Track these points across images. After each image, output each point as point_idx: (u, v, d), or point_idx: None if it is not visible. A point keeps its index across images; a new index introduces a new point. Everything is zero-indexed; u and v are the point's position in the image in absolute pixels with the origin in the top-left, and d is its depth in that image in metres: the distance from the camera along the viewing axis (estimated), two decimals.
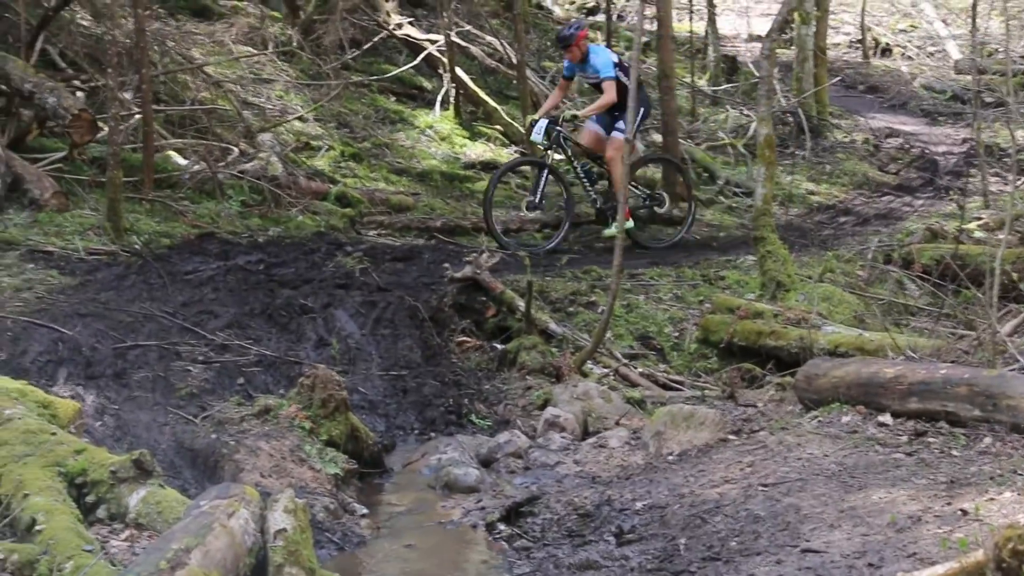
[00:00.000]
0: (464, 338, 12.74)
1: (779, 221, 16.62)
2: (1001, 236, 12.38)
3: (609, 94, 15.62)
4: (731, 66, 26.35)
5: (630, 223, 15.58)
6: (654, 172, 18.70)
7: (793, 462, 9.00)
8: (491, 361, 12.42)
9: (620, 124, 15.42)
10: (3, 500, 7.37)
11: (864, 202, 20.43)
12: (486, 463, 10.36)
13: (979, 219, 15.55)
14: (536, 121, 15.85)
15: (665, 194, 17.08)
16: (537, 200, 15.95)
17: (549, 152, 15.96)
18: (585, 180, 16.30)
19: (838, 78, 25.70)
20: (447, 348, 12.55)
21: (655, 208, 16.93)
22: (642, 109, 15.78)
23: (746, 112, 23.54)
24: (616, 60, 16.04)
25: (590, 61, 15.82)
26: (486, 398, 11.72)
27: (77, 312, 11.58)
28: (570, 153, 16.18)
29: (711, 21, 25.91)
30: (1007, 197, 14.03)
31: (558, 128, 15.85)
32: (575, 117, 16.16)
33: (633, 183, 16.30)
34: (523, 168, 18.69)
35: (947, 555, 6.19)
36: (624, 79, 15.15)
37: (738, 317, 12.76)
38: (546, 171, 15.94)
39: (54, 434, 7.91)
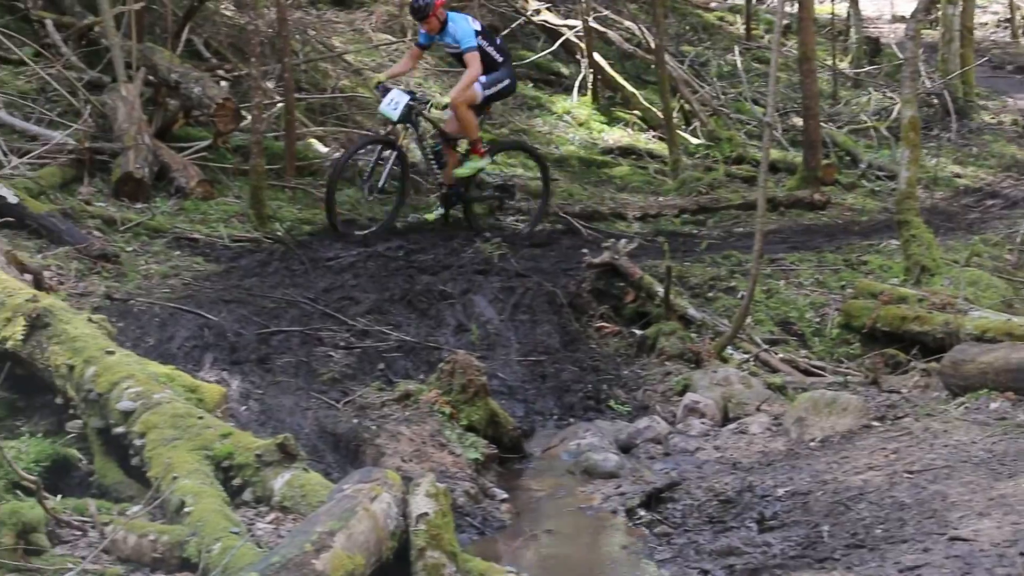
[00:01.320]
0: (602, 324, 12.73)
1: (923, 205, 16.33)
2: None
3: (473, 67, 14.30)
4: (874, 47, 26.00)
5: (483, 162, 14.85)
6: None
7: (939, 449, 8.90)
8: (630, 347, 12.39)
9: (483, 79, 14.46)
10: (153, 482, 7.54)
11: (1013, 185, 20.03)
12: (625, 449, 10.36)
13: None
14: (385, 88, 14.41)
15: (515, 185, 16.12)
16: (382, 183, 14.46)
17: (400, 129, 14.51)
18: (434, 162, 14.91)
19: (985, 58, 25.21)
20: (585, 334, 12.54)
21: (504, 198, 15.82)
22: (507, 81, 14.88)
23: (889, 94, 23.22)
24: (479, 28, 14.75)
25: (448, 30, 14.41)
26: (625, 384, 11.70)
27: (222, 298, 11.79)
28: (420, 132, 14.78)
29: (854, 2, 25.62)
30: None
31: (420, 107, 14.48)
32: (447, 106, 14.61)
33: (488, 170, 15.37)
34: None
35: None
36: (487, 47, 14.58)
37: (881, 302, 12.62)
38: (396, 152, 14.45)
39: (201, 418, 8.04)
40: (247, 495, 7.64)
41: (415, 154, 15.47)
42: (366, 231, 14.41)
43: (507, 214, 16.14)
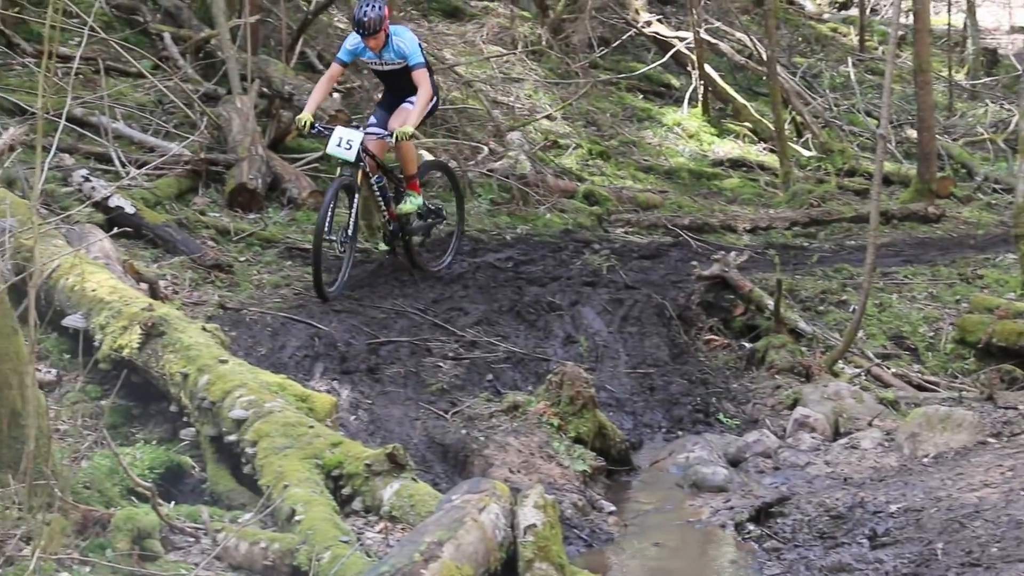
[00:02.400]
0: (711, 336, 12.69)
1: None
2: None
3: (426, 86, 12.34)
4: (991, 59, 25.61)
5: (420, 197, 12.97)
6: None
7: None
8: (739, 360, 12.34)
9: (411, 100, 12.50)
10: (264, 490, 7.62)
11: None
12: (734, 462, 10.31)
13: None
14: (324, 127, 12.48)
15: (443, 208, 13.89)
16: (351, 231, 12.43)
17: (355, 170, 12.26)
18: (380, 198, 12.78)
19: None
20: (694, 346, 12.51)
21: (436, 223, 13.79)
22: (435, 98, 12.80)
23: (1007, 106, 22.86)
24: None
25: (391, 44, 12.27)
26: (734, 397, 11.65)
27: (332, 308, 11.88)
28: (366, 169, 12.44)
29: (971, 13, 25.25)
30: None
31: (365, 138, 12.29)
32: (413, 135, 12.57)
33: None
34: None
35: None
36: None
37: (997, 317, 12.44)
38: (357, 195, 12.43)
39: (311, 427, 8.13)
40: (356, 504, 7.72)
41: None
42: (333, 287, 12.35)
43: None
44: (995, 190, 19.31)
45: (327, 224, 11.91)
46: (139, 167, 13.21)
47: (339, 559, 6.70)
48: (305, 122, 12.19)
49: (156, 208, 13.06)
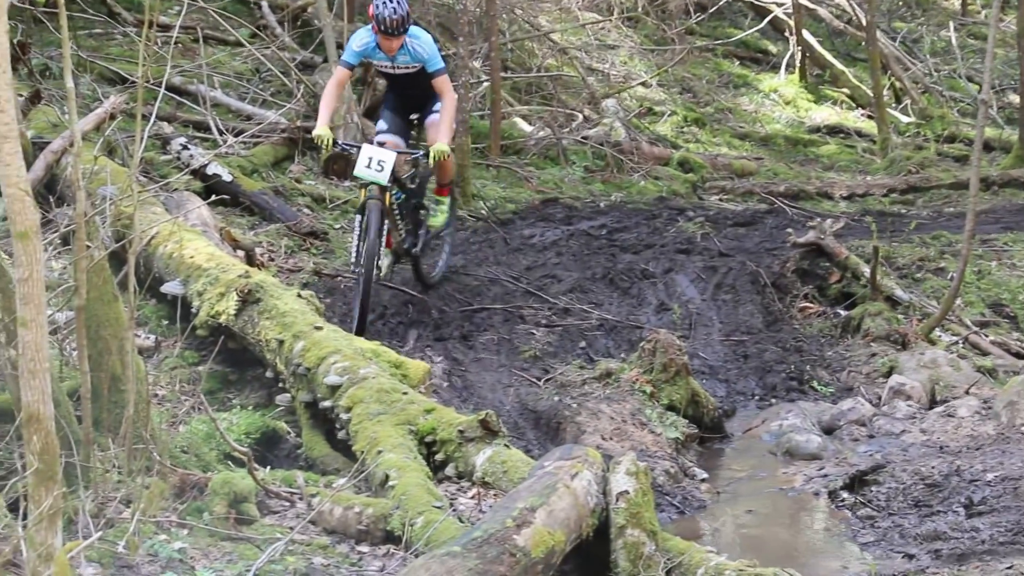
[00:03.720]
0: (806, 304, 12.60)
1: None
2: None
3: (450, 94, 11.12)
4: None
5: (446, 210, 11.69)
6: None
7: None
8: (834, 327, 12.24)
9: (435, 109, 11.20)
10: (358, 455, 7.70)
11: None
12: (828, 430, 10.26)
13: None
14: (350, 144, 11.35)
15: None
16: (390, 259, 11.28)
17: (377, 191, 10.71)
18: (398, 216, 11.13)
19: None
20: (788, 314, 12.43)
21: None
22: None
23: None
24: None
25: (407, 47, 10.87)
26: (828, 365, 11.58)
27: None
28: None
29: None
30: None
31: (423, 162, 11.24)
32: (449, 153, 11.12)
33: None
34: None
35: None
36: None
37: None
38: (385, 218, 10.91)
39: (405, 393, 8.20)
40: (449, 470, 7.79)
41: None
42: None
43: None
44: None
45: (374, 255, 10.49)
46: (236, 135, 13.36)
47: (432, 524, 6.76)
48: (325, 139, 10.74)
49: (253, 176, 13.18)
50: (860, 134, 19.49)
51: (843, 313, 12.40)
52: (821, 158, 18.48)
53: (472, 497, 7.55)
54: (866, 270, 12.44)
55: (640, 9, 20.95)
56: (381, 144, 10.91)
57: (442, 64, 11.03)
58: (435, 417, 7.99)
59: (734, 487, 9.34)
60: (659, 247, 13.48)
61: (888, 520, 8.45)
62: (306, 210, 13.04)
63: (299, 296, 9.35)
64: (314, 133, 10.88)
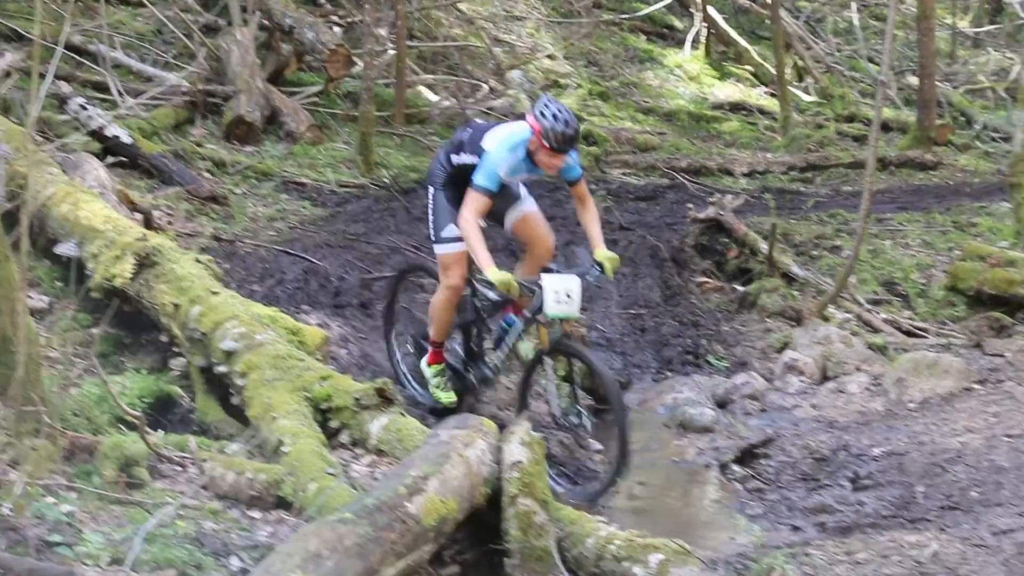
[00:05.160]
0: (704, 279, 12.71)
1: None
2: None
3: (591, 200, 9.21)
4: (996, 6, 25.48)
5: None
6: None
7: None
8: (730, 303, 12.36)
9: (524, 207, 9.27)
10: (252, 421, 7.66)
11: None
12: (722, 404, 10.35)
13: None
14: (529, 285, 8.76)
15: None
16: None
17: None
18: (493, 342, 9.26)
19: None
20: (687, 288, 12.52)
21: None
22: None
23: (1009, 55, 22.78)
24: None
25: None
26: (724, 339, 11.68)
27: (327, 243, 11.90)
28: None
29: None
30: None
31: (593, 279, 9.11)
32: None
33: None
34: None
35: None
36: None
37: (989, 265, 12.43)
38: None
39: (301, 360, 8.15)
40: (344, 437, 7.75)
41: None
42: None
43: None
44: (993, 138, 19.30)
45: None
46: (136, 97, 13.19)
47: (324, 491, 6.74)
48: (511, 285, 8.53)
49: (153, 138, 13.06)
50: (762, 112, 19.65)
51: (740, 289, 12.52)
52: (723, 134, 18.60)
53: (366, 464, 7.52)
54: (764, 246, 12.57)
55: None
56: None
57: (579, 167, 8.99)
58: (331, 384, 7.94)
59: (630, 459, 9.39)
60: (560, 219, 13.43)
61: (776, 493, 8.56)
62: (206, 174, 12.95)
63: (197, 261, 9.24)
64: (495, 279, 8.47)
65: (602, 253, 8.88)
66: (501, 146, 8.61)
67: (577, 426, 8.80)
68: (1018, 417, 8.93)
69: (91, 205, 9.62)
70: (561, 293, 8.58)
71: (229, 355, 8.17)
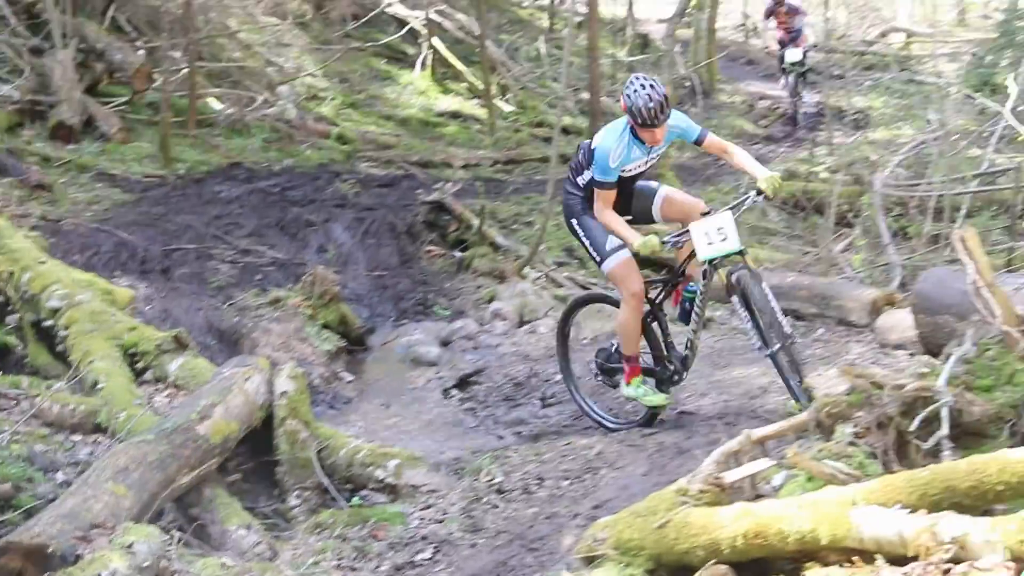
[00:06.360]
0: (431, 247, 12.72)
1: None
2: (839, 177, 12.47)
3: (731, 144, 7.27)
4: (644, 42, 26.06)
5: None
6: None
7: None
8: (451, 265, 12.41)
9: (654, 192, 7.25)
10: (74, 364, 7.42)
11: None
12: (445, 343, 10.42)
13: (823, 163, 15.46)
14: (675, 238, 6.95)
15: None
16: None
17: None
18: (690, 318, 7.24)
19: (724, 53, 25.46)
20: (418, 255, 12.53)
21: None
22: None
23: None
24: None
25: (672, 123, 6.86)
26: (447, 294, 11.74)
27: (135, 222, 11.56)
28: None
29: (630, 6, 25.70)
30: (845, 148, 14.06)
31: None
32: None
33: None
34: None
35: (784, 417, 6.28)
36: None
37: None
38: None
39: (113, 315, 7.96)
40: (148, 375, 7.60)
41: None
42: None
43: None
44: None
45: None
46: None
47: (133, 417, 6.62)
48: (654, 245, 6.72)
49: None
50: (475, 118, 19.67)
51: (458, 255, 12.57)
52: (445, 136, 18.57)
53: (166, 396, 7.38)
54: (476, 222, 12.64)
55: (309, 16, 20.66)
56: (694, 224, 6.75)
57: (699, 126, 7.12)
58: (138, 334, 7.78)
59: (373, 387, 9.42)
60: (320, 202, 13.34)
61: (486, 410, 8.67)
62: (35, 167, 12.37)
63: (27, 237, 8.90)
64: (636, 246, 6.76)
65: (762, 179, 6.73)
66: (606, 138, 6.88)
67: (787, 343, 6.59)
68: None
69: None
70: (712, 234, 6.66)
71: (55, 312, 7.94)
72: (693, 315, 7.01)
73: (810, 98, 19.65)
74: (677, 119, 6.87)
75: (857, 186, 12.47)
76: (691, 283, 7.04)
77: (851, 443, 4.90)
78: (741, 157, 6.97)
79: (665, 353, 7.24)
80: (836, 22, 21.62)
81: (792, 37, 18.28)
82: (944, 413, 4.85)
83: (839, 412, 5.11)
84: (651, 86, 6.62)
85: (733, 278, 6.67)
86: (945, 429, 4.81)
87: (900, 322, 7.86)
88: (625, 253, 6.98)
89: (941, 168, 10.60)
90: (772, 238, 13.05)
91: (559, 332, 8.00)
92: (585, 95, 20.53)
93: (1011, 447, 4.41)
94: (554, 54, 22.90)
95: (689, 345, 7.09)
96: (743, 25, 28.61)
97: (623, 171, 6.84)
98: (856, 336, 8.43)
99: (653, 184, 7.26)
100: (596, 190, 6.86)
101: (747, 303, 6.66)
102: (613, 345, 7.48)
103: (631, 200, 7.10)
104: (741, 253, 6.70)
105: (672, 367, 7.20)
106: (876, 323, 8.35)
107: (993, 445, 4.79)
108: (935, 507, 3.83)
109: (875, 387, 5.11)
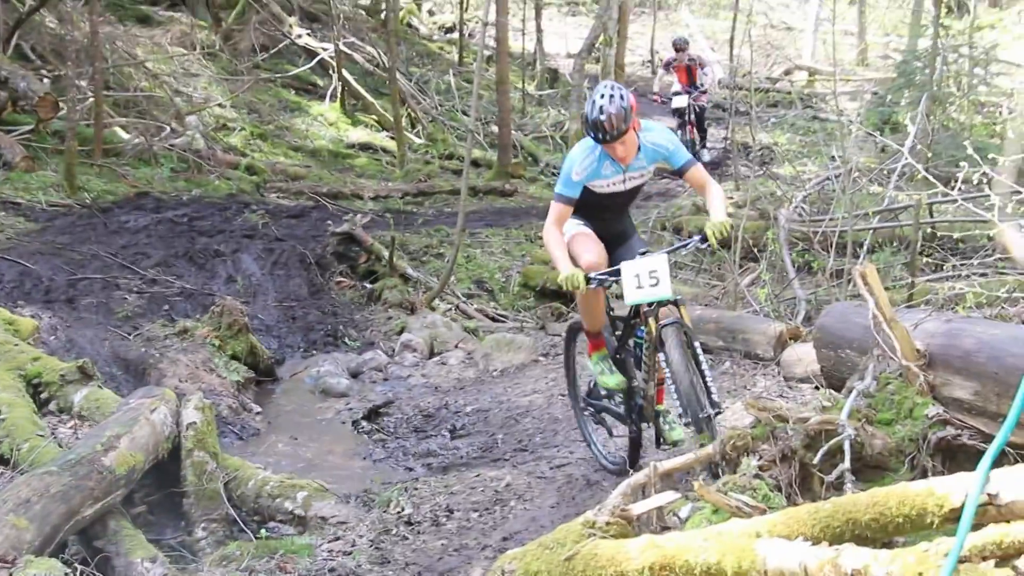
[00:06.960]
0: (341, 278, 12.69)
1: None
2: (745, 212, 12.67)
3: (714, 182, 6.41)
4: (553, 76, 26.37)
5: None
6: None
7: (585, 378, 9.13)
8: (361, 297, 12.39)
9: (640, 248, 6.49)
10: None
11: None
12: (354, 375, 10.38)
13: (730, 198, 15.74)
14: (601, 276, 6.22)
15: None
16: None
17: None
18: (644, 368, 6.45)
19: (632, 88, 25.81)
20: (328, 286, 12.49)
21: None
22: None
23: (563, 111, 23.60)
24: None
25: (645, 146, 6.31)
26: (356, 325, 11.71)
27: (39, 251, 11.36)
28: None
29: (539, 41, 25.94)
30: (751, 183, 14.29)
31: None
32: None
33: None
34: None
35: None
36: None
37: (550, 268, 12.83)
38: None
39: (16, 345, 7.80)
40: (52, 406, 7.44)
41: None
42: None
43: None
44: (554, 173, 19.83)
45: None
46: None
47: (36, 448, 6.46)
48: (579, 280, 6.06)
49: None
50: (385, 150, 19.70)
51: (368, 286, 12.55)
52: (355, 167, 18.58)
53: (70, 427, 7.23)
54: (386, 253, 12.64)
55: (217, 47, 20.52)
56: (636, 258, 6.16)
57: (689, 154, 6.39)
58: (41, 364, 7.62)
59: (282, 418, 9.31)
60: (229, 232, 13.25)
61: (395, 442, 8.62)
62: None
63: None
64: (562, 278, 6.09)
65: (709, 223, 6.06)
66: (575, 149, 6.29)
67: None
68: None
69: None
70: (644, 277, 6.02)
71: None
72: (643, 362, 6.35)
73: (709, 148, 19.89)
74: (665, 140, 6.31)
75: (763, 221, 12.69)
76: (641, 326, 6.31)
77: (756, 476, 4.97)
78: (712, 196, 6.26)
79: (629, 405, 6.62)
80: (742, 59, 21.99)
81: (688, 90, 18.38)
82: (846, 446, 4.93)
83: (744, 445, 5.17)
84: (609, 97, 6.00)
85: (661, 333, 6.00)
86: (847, 462, 4.89)
87: (805, 356, 7.99)
88: (582, 227, 6.47)
89: (844, 204, 10.82)
90: (680, 271, 13.20)
91: (565, 355, 7.40)
92: (495, 128, 20.70)
93: (911, 480, 4.51)
94: (464, 87, 23.06)
95: (643, 395, 6.42)
96: (651, 61, 29.04)
97: (594, 187, 6.28)
98: (762, 369, 8.55)
99: (643, 248, 6.42)
100: (552, 201, 6.31)
101: (671, 363, 5.91)
102: (591, 381, 6.97)
103: (608, 222, 6.54)
104: (676, 303, 6.08)
105: (634, 429, 6.63)
106: (782, 357, 8.49)
107: (894, 478, 4.90)
108: (837, 539, 3.88)
109: (779, 420, 5.18)
